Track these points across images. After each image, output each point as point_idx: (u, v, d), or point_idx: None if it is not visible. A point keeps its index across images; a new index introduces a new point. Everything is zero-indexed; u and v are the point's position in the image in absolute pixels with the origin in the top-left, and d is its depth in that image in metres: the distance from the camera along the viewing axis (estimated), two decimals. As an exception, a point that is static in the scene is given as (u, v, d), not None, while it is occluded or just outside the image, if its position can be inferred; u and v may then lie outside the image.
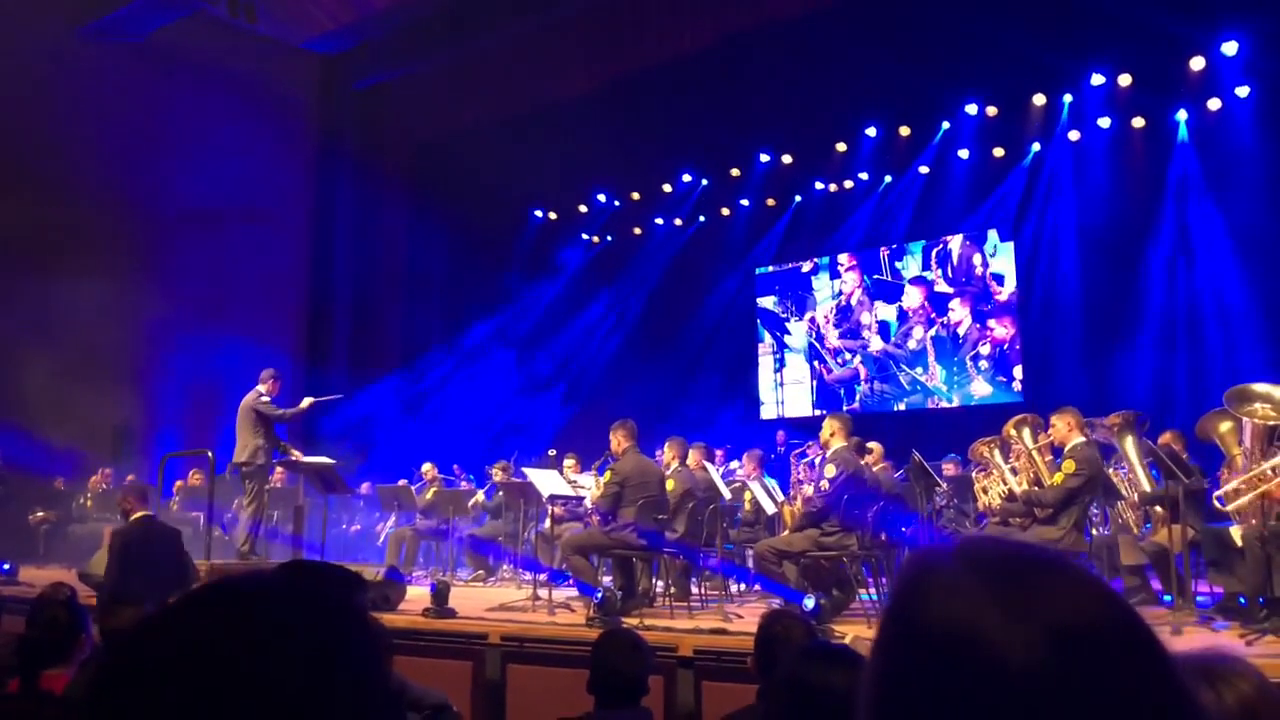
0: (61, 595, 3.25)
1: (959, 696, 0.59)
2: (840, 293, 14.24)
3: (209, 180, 14.03)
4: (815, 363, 14.36)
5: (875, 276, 13.94)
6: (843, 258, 14.21)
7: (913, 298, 13.51)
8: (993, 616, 0.60)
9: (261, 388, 8.57)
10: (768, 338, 14.85)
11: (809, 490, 6.77)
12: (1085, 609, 0.61)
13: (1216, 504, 5.57)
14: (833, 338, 14.23)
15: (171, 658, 0.64)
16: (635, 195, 15.14)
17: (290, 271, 15.72)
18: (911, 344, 13.47)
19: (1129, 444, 6.29)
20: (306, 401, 8.89)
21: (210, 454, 8.88)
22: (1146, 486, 6.25)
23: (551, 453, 9.95)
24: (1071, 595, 0.62)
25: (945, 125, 12.67)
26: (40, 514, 11.46)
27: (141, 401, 13.83)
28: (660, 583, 7.53)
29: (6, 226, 11.96)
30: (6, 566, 8.49)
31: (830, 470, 6.16)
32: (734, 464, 9.62)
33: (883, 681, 0.65)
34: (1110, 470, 6.69)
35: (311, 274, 15.96)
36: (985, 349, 12.84)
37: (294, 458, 8.72)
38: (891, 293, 13.76)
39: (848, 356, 14.08)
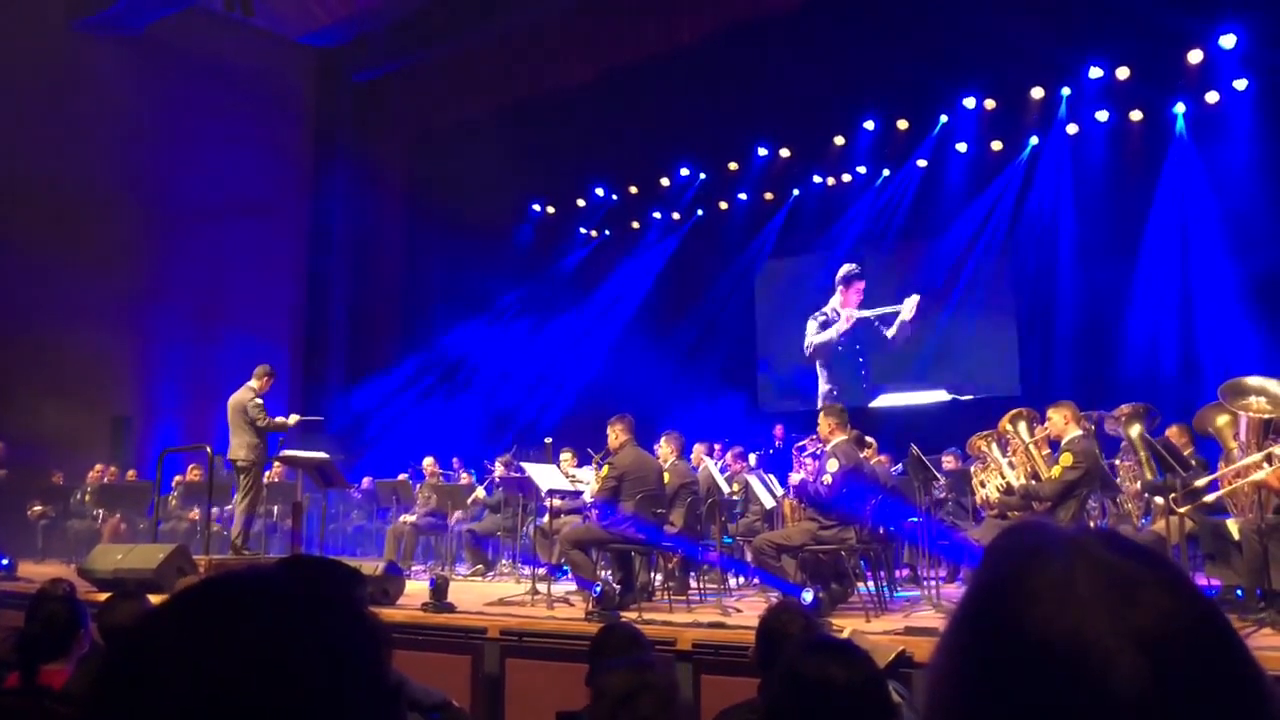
0: (60, 590, 3.25)
1: (1059, 713, 0.56)
2: (841, 287, 14.23)
3: (206, 173, 14.02)
4: (813, 354, 14.35)
5: (873, 268, 13.93)
6: (841, 250, 14.20)
7: (910, 290, 13.50)
8: (1102, 631, 0.57)
9: (254, 384, 8.39)
10: (766, 331, 14.85)
11: (796, 479, 6.78)
12: (1190, 630, 0.58)
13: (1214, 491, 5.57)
14: (831, 331, 14.23)
15: (171, 654, 0.64)
16: (633, 189, 15.14)
17: (288, 265, 15.71)
18: (905, 336, 13.47)
19: (1135, 434, 6.30)
20: (294, 418, 8.82)
21: (209, 449, 8.86)
22: (1149, 476, 6.25)
23: (548, 440, 9.94)
24: (1175, 612, 0.58)
25: (943, 118, 12.65)
26: (39, 509, 11.45)
27: (140, 396, 13.83)
28: (658, 576, 7.54)
29: (2, 221, 11.94)
30: (5, 561, 8.48)
31: (833, 464, 6.16)
32: (728, 456, 9.63)
33: (967, 681, 0.60)
34: (1117, 460, 6.71)
35: (309, 267, 15.94)
36: (980, 341, 12.84)
37: (291, 453, 8.68)
38: (889, 285, 13.75)
39: (846, 348, 14.07)
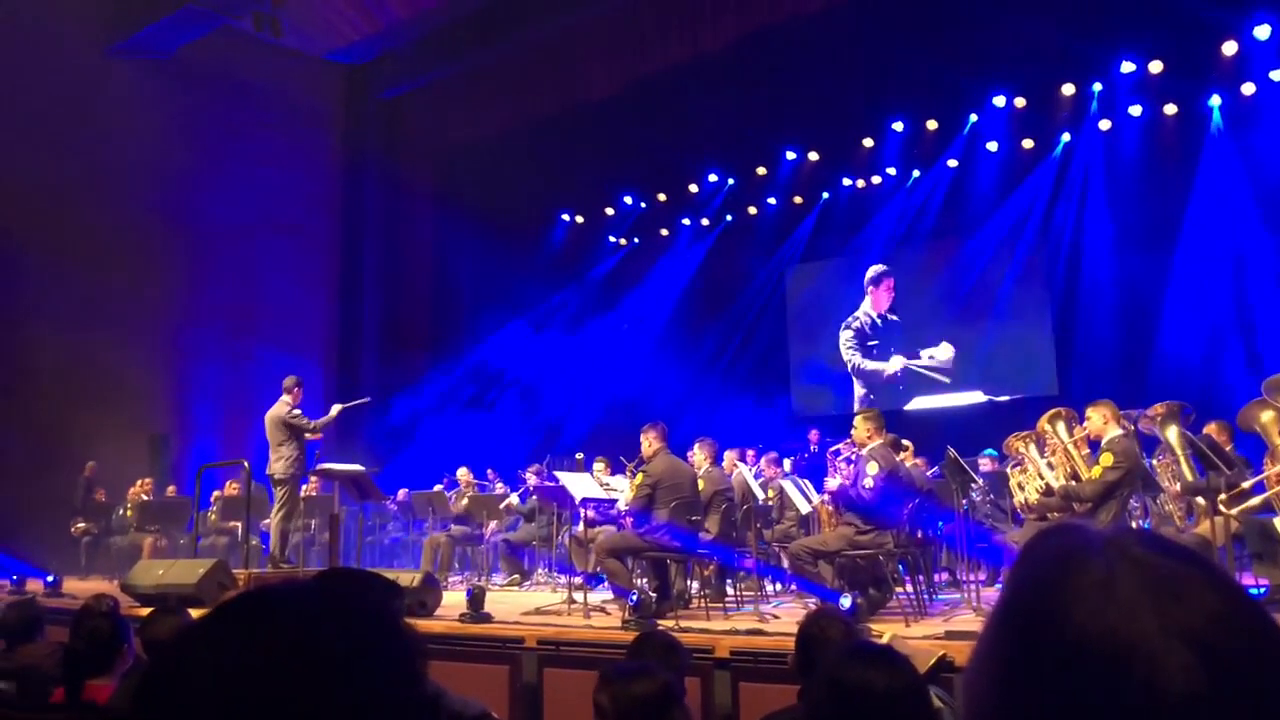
0: (104, 606, 3.29)
1: (1105, 713, 0.55)
2: (871, 288, 14.15)
3: (238, 192, 14.20)
4: (847, 358, 14.27)
5: (906, 270, 13.83)
6: (872, 253, 14.12)
7: (942, 291, 13.38)
8: (1148, 630, 0.55)
9: (287, 397, 8.45)
10: (798, 335, 14.79)
11: (833, 484, 6.72)
12: (1239, 628, 0.57)
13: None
14: (865, 334, 14.14)
15: (211, 668, 0.65)
16: (662, 196, 15.15)
17: (320, 280, 15.87)
18: (938, 340, 13.35)
19: (1172, 434, 6.19)
20: (335, 409, 8.73)
21: (246, 464, 8.94)
22: (1189, 477, 6.14)
23: (579, 456, 9.93)
24: (1222, 611, 0.57)
25: (973, 118, 12.56)
26: (81, 525, 11.62)
27: (177, 412, 14.00)
28: (695, 584, 7.51)
29: (40, 242, 12.17)
30: (50, 578, 8.61)
31: (873, 468, 6.10)
32: (763, 462, 9.58)
33: (1007, 684, 0.59)
34: (1155, 460, 6.59)
35: (341, 283, 16.10)
36: (1016, 342, 12.70)
37: (327, 466, 8.72)
38: (920, 288, 13.65)
39: (879, 353, 13.98)
